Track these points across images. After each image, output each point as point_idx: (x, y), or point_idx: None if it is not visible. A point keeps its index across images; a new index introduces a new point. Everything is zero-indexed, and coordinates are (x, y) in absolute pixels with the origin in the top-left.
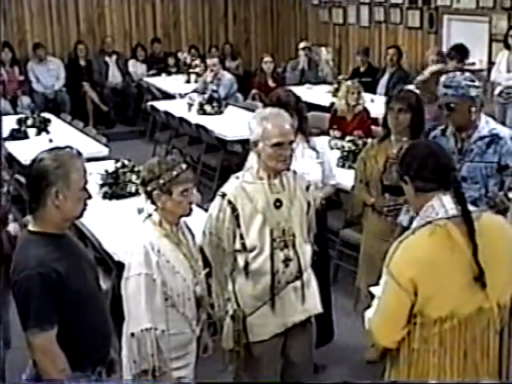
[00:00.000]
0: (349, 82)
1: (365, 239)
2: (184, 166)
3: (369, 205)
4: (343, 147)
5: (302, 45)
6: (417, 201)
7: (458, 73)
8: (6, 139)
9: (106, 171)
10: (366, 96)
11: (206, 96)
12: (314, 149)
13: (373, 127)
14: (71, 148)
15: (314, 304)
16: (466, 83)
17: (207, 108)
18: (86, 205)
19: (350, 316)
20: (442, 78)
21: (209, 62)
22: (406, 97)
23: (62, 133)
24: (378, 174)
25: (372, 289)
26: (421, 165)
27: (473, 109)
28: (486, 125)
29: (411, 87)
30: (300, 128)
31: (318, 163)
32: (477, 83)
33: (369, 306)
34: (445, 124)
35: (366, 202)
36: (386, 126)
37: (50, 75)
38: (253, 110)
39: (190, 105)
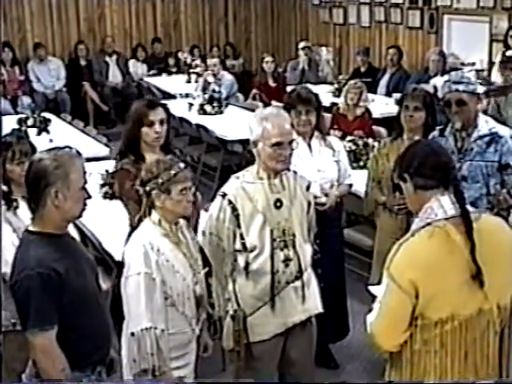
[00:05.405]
0: (351, 81)
1: (378, 238)
2: (182, 164)
3: (380, 203)
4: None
5: (302, 44)
6: (415, 199)
7: (464, 70)
8: None
9: (106, 171)
10: None
11: (207, 96)
12: (330, 147)
13: (374, 127)
14: (70, 148)
15: (314, 304)
16: (475, 80)
17: (207, 108)
18: (85, 205)
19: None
20: (446, 77)
21: (209, 62)
22: (421, 95)
23: (63, 133)
24: (390, 173)
25: (371, 288)
26: (421, 162)
27: (478, 106)
28: (486, 124)
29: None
30: (317, 125)
31: (334, 161)
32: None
33: (370, 310)
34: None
35: (377, 201)
36: (399, 125)
37: (50, 75)
38: (253, 110)
39: (191, 104)
